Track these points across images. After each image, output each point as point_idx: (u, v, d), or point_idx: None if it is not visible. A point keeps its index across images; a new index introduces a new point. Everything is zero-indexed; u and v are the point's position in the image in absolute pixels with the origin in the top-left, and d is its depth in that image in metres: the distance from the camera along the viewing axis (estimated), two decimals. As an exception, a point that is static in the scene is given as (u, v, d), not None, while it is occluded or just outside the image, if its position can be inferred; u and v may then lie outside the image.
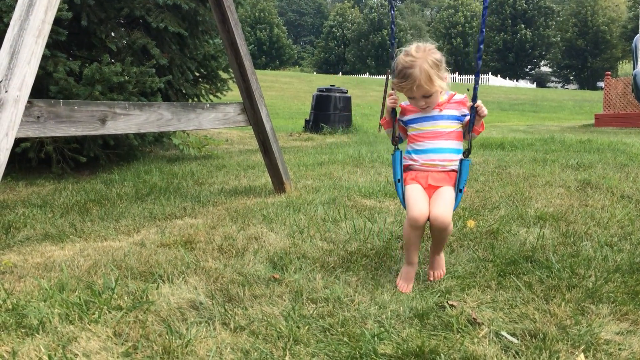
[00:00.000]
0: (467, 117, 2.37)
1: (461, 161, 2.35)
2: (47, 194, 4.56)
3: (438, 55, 2.31)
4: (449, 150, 2.38)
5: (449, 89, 2.40)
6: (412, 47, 2.32)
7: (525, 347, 1.76)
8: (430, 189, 2.36)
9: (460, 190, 2.35)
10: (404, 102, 2.50)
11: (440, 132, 2.38)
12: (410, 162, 2.44)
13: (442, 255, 2.45)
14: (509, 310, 2.04)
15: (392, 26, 2.49)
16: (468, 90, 2.40)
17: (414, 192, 2.34)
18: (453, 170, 2.37)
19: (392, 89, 2.45)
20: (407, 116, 2.47)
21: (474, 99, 2.31)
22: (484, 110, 2.30)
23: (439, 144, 2.38)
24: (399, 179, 2.42)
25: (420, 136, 2.42)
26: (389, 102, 2.45)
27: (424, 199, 2.33)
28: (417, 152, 2.43)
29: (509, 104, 26.03)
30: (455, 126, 2.39)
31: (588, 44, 54.11)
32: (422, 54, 2.28)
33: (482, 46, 2.29)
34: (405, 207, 2.37)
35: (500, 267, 2.47)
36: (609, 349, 1.76)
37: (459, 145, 2.40)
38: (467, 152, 2.37)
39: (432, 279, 2.40)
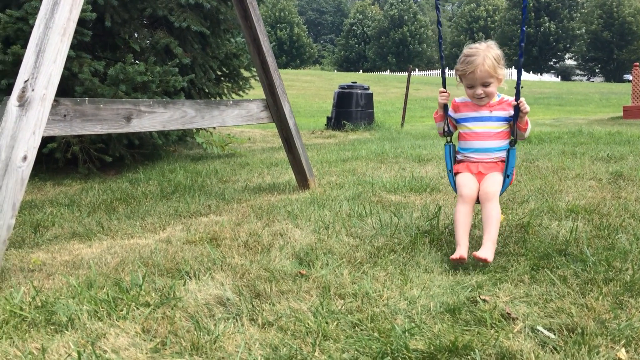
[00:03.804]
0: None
1: (508, 150, 2.60)
2: (74, 193, 4.61)
3: (499, 51, 2.61)
4: (498, 149, 2.65)
5: (505, 84, 2.68)
6: (477, 43, 2.64)
7: (563, 342, 1.70)
8: (480, 176, 2.63)
9: (508, 176, 2.58)
10: (457, 98, 2.76)
11: (490, 133, 2.64)
12: (463, 158, 2.72)
13: (492, 245, 2.42)
14: (544, 304, 1.98)
15: (439, 26, 2.81)
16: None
17: (464, 177, 2.63)
18: (502, 160, 2.64)
19: (444, 87, 2.76)
20: (459, 114, 2.73)
21: (517, 96, 2.55)
22: (527, 107, 2.54)
23: (489, 144, 2.65)
24: (450, 170, 2.72)
25: (471, 135, 2.68)
26: (440, 98, 2.73)
27: (473, 181, 2.60)
28: (469, 150, 2.69)
29: (534, 98, 25.62)
30: (504, 127, 2.64)
31: (614, 36, 53.06)
32: (485, 47, 2.59)
33: (523, 44, 2.54)
34: (456, 191, 2.65)
35: (533, 260, 2.41)
36: (650, 343, 1.69)
37: (507, 142, 2.65)
38: (513, 142, 2.62)
39: (477, 255, 2.35)
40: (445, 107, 2.75)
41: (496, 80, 2.59)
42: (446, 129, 2.77)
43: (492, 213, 2.49)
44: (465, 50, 2.61)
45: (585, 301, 1.97)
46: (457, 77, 2.67)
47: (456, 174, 2.69)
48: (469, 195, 2.55)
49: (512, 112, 2.60)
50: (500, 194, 2.58)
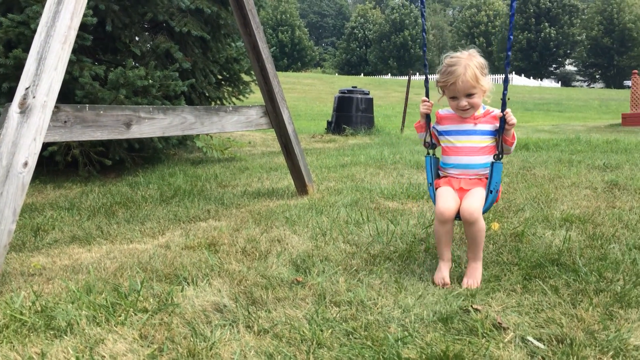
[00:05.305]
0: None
1: (492, 164, 2.40)
2: (74, 196, 4.64)
3: (482, 59, 2.44)
4: (481, 165, 2.47)
5: (491, 93, 2.47)
6: (458, 52, 2.47)
7: (552, 352, 1.73)
8: (462, 192, 2.45)
9: (491, 192, 2.39)
10: (441, 110, 2.60)
11: (474, 148, 2.46)
12: (445, 175, 2.56)
13: (479, 265, 2.41)
14: (535, 314, 2.01)
15: (423, 34, 2.71)
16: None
17: (443, 191, 2.45)
18: (487, 177, 2.45)
19: (427, 96, 2.59)
20: (443, 126, 2.56)
21: (503, 106, 2.39)
22: (513, 118, 2.38)
23: (473, 159, 2.47)
24: (430, 183, 2.57)
25: (454, 150, 2.51)
26: (422, 107, 2.56)
27: (452, 197, 2.41)
28: (450, 165, 2.52)
29: (533, 104, 25.69)
30: (489, 141, 2.46)
31: (614, 42, 53.13)
32: (467, 56, 2.42)
33: (510, 53, 2.41)
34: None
35: (526, 270, 2.44)
36: (638, 355, 1.72)
37: (492, 158, 2.45)
38: (497, 156, 2.42)
39: (465, 286, 2.33)
40: (427, 117, 2.59)
41: (480, 90, 2.41)
42: (428, 140, 2.61)
43: (477, 234, 2.37)
44: (446, 60, 2.44)
45: (575, 312, 2.01)
46: (439, 89, 2.51)
47: (437, 188, 2.53)
48: (445, 214, 2.37)
49: (498, 125, 2.44)
50: (484, 211, 2.40)
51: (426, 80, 2.67)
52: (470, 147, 2.47)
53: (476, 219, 2.32)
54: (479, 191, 2.41)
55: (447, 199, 2.40)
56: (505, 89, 2.40)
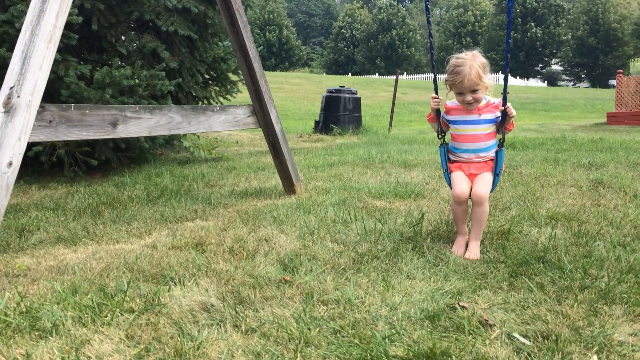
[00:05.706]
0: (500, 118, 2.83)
1: (497, 152, 2.84)
2: (59, 197, 4.60)
3: (484, 59, 2.79)
4: (487, 149, 2.87)
5: (492, 88, 2.84)
6: (462, 53, 2.83)
7: (537, 348, 1.75)
8: (472, 176, 2.87)
9: (497, 175, 2.85)
10: (448, 102, 2.95)
11: (479, 135, 2.85)
12: (456, 159, 2.96)
13: (479, 242, 2.79)
14: (521, 311, 2.03)
15: (430, 38, 3.09)
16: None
17: (457, 176, 2.87)
18: (491, 160, 2.88)
19: (436, 92, 2.96)
20: (451, 116, 2.93)
21: (504, 102, 2.77)
22: (513, 111, 2.78)
23: (479, 145, 2.86)
24: (445, 169, 2.98)
25: (462, 137, 2.90)
26: (432, 103, 2.95)
27: (465, 181, 2.84)
28: (460, 150, 2.92)
29: (520, 103, 25.86)
30: (492, 128, 2.86)
31: (599, 42, 53.68)
32: (471, 56, 2.76)
33: (508, 55, 2.71)
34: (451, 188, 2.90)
35: (512, 267, 2.46)
36: (622, 350, 1.74)
37: (495, 141, 2.88)
38: (500, 144, 2.83)
39: (468, 258, 2.68)
40: (437, 111, 2.96)
41: (483, 87, 2.76)
42: (439, 129, 2.99)
43: (482, 216, 2.79)
44: (453, 61, 2.79)
45: (560, 308, 2.03)
46: (447, 86, 2.84)
47: (451, 172, 2.93)
48: (462, 197, 2.80)
49: (498, 114, 2.80)
50: (492, 191, 2.84)
51: (435, 79, 3.05)
52: (477, 134, 2.85)
53: (484, 202, 2.75)
54: (487, 176, 2.83)
55: (462, 184, 2.82)
56: (506, 86, 2.79)
